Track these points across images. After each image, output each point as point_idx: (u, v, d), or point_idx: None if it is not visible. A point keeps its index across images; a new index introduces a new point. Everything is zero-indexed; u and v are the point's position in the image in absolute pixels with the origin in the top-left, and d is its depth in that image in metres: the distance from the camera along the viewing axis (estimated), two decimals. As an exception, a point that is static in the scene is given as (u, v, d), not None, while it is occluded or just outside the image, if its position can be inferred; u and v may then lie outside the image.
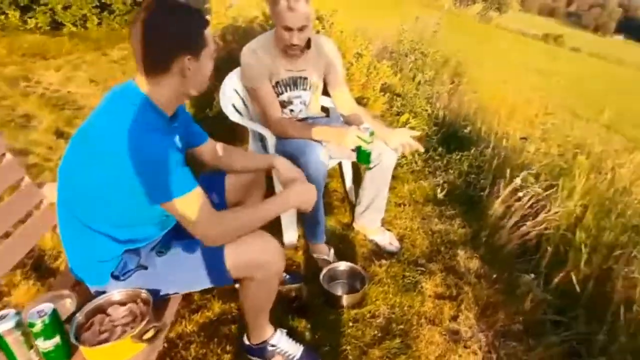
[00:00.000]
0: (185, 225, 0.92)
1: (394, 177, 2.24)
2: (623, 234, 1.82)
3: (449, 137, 2.86)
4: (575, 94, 15.28)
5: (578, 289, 1.58)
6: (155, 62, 0.88)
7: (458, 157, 2.48)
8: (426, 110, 2.97)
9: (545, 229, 1.83)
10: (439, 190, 2.32)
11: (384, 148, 1.66)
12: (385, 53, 4.23)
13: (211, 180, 1.26)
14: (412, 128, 2.90)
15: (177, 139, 1.02)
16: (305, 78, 1.74)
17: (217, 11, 2.62)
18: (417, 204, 2.27)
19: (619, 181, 2.60)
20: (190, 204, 0.89)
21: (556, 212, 1.80)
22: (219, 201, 1.25)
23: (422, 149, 1.66)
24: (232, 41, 2.44)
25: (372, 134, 1.49)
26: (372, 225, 1.90)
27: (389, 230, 1.96)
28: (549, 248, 1.78)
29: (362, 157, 1.55)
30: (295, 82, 1.74)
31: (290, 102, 1.77)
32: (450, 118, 3.14)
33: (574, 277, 1.58)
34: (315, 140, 1.59)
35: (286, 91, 1.74)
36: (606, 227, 1.81)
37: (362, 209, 1.88)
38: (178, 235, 1.04)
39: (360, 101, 2.69)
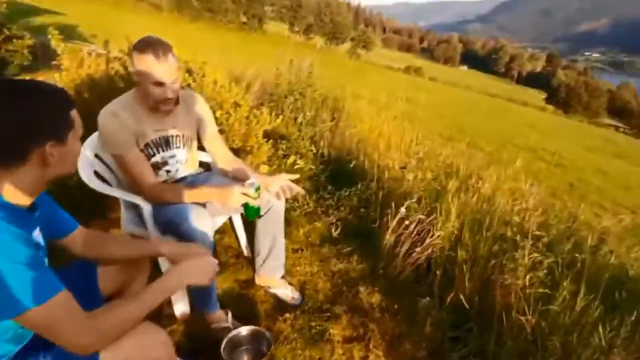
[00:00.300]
0: (49, 337, 0.77)
1: (288, 222, 2.22)
2: (494, 244, 2.10)
3: (337, 174, 2.99)
4: (438, 117, 18.01)
5: (466, 304, 1.73)
6: (6, 154, 0.77)
7: (347, 193, 2.59)
8: (311, 150, 3.09)
9: (432, 252, 1.99)
10: (333, 229, 2.38)
11: (268, 195, 1.65)
12: (265, 97, 4.35)
13: (80, 269, 1.09)
14: (300, 169, 2.98)
15: (36, 232, 0.87)
16: (178, 135, 1.65)
17: (69, 68, 2.35)
18: (314, 247, 2.28)
19: (484, 195, 3.04)
20: (50, 312, 0.75)
21: (439, 235, 1.98)
22: (91, 296, 1.06)
23: (302, 192, 1.69)
24: (90, 99, 2.19)
25: (257, 188, 1.45)
26: (275, 274, 1.84)
27: (290, 283, 1.91)
28: (437, 270, 1.93)
29: (251, 213, 1.50)
30: (167, 141, 1.62)
31: (165, 163, 1.64)
32: (335, 155, 3.30)
33: (461, 295, 1.73)
34: (198, 202, 1.49)
35: (158, 152, 1.61)
36: (480, 241, 2.06)
37: (261, 260, 1.81)
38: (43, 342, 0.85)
39: (243, 150, 2.65)
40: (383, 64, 52.32)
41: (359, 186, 2.61)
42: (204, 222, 1.43)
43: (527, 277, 1.73)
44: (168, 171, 1.66)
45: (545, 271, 1.75)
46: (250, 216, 1.52)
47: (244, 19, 41.00)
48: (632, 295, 2.12)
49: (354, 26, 51.54)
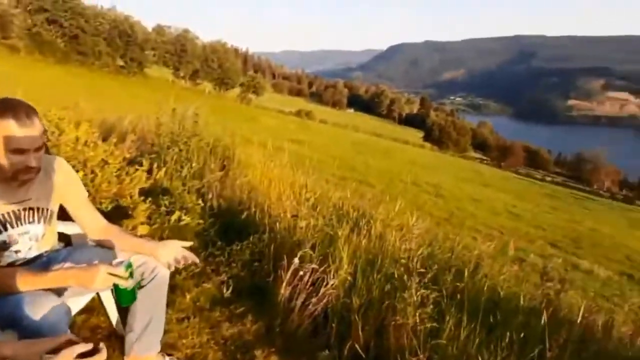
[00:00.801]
0: None
1: (172, 288, 2.02)
2: (387, 284, 2.21)
3: (228, 228, 2.88)
4: (330, 158, 19.15)
5: (362, 352, 1.75)
6: None
7: (238, 247, 2.50)
8: (198, 204, 2.93)
9: (328, 301, 2.00)
10: (224, 289, 2.24)
11: (154, 262, 1.48)
12: (145, 147, 4.06)
13: None
14: (186, 225, 2.79)
15: None
16: (32, 208, 1.40)
17: None
18: (203, 312, 2.10)
19: (375, 234, 3.22)
20: None
21: (333, 284, 2.01)
22: None
23: (197, 261, 1.56)
24: None
25: (129, 266, 1.27)
26: (150, 351, 1.60)
27: (170, 356, 1.70)
28: (334, 319, 1.94)
29: (123, 297, 1.29)
30: (18, 216, 1.36)
31: (15, 242, 1.36)
32: (225, 207, 3.20)
33: (356, 343, 1.75)
34: (52, 289, 1.26)
35: (5, 230, 1.34)
36: (373, 283, 2.15)
37: (135, 336, 1.56)
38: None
39: (116, 213, 2.38)
40: (275, 108, 54.39)
41: (251, 239, 2.54)
42: (55, 312, 1.20)
43: (417, 314, 1.84)
44: (17, 251, 1.38)
45: (432, 306, 1.88)
46: (123, 302, 1.31)
47: (121, 62, 38.79)
48: (505, 316, 2.42)
49: (243, 72, 53.00)
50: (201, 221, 2.87)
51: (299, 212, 2.90)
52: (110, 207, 2.35)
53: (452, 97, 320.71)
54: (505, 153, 59.80)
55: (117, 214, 2.38)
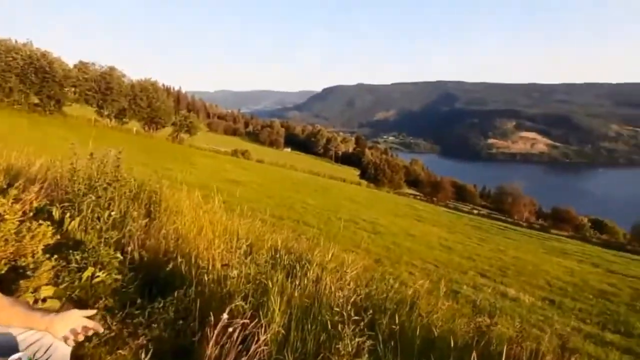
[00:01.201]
0: None
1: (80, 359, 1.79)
2: (322, 333, 2.15)
3: (150, 283, 2.66)
4: (267, 197, 18.98)
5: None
6: None
7: (161, 304, 2.31)
8: (116, 257, 2.69)
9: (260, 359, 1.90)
10: (143, 354, 2.03)
11: (51, 338, 1.30)
12: (58, 194, 3.71)
13: None
14: (101, 282, 2.53)
15: None
16: None
17: None
18: (118, 386, 1.87)
19: (311, 279, 3.17)
20: None
21: (264, 340, 1.91)
22: None
23: (100, 329, 1.40)
24: None
25: None
26: None
27: None
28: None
29: None
30: None
31: None
32: (148, 259, 2.97)
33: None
34: None
35: None
36: (308, 334, 2.09)
37: None
38: None
39: (13, 275, 2.10)
40: (210, 147, 53.32)
41: (175, 294, 2.37)
42: None
43: (353, 364, 1.80)
44: None
45: (366, 355, 1.86)
46: None
47: (35, 100, 35.85)
48: (439, 355, 2.47)
49: (175, 111, 51.68)
50: (119, 277, 2.63)
51: (231, 261, 2.79)
52: (4, 269, 2.06)
53: (385, 136, 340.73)
54: (436, 188, 64.04)
55: (13, 277, 2.10)
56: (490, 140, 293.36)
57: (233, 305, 2.09)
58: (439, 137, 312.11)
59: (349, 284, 3.62)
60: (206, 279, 2.50)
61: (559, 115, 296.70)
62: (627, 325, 9.09)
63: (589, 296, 11.68)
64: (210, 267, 2.62)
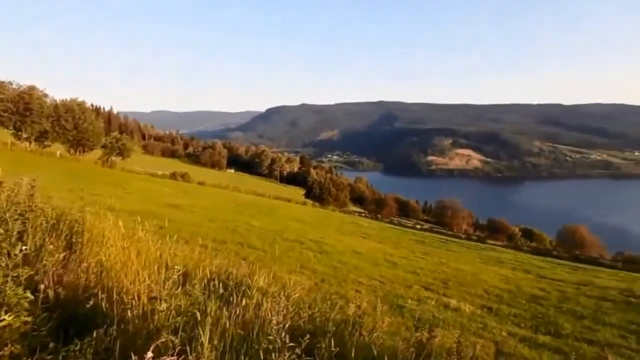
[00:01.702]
0: None
1: None
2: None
3: (67, 323, 2.44)
4: (208, 221, 18.36)
5: None
6: None
7: (78, 347, 2.11)
8: (26, 298, 2.43)
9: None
10: (56, 408, 1.84)
11: None
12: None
13: None
14: (6, 326, 2.27)
15: None
16: None
17: None
18: None
19: (251, 305, 3.09)
20: None
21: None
22: None
23: None
24: None
25: None
26: None
27: None
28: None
29: None
30: None
31: None
32: (66, 296, 2.73)
33: None
34: None
35: None
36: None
37: None
38: None
39: None
40: (145, 170, 50.72)
41: (95, 334, 2.18)
42: None
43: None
44: None
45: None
46: None
47: None
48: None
49: (106, 132, 48.73)
50: (29, 319, 2.38)
51: (160, 293, 2.64)
52: None
53: (329, 155, 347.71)
54: (381, 205, 66.16)
55: None
56: (430, 157, 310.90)
57: (159, 341, 1.97)
58: (382, 155, 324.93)
59: (290, 308, 3.57)
60: (130, 315, 2.34)
61: (490, 133, 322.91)
62: (556, 326, 9.86)
63: (522, 301, 12.53)
64: (135, 302, 2.45)
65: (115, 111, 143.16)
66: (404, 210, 79.77)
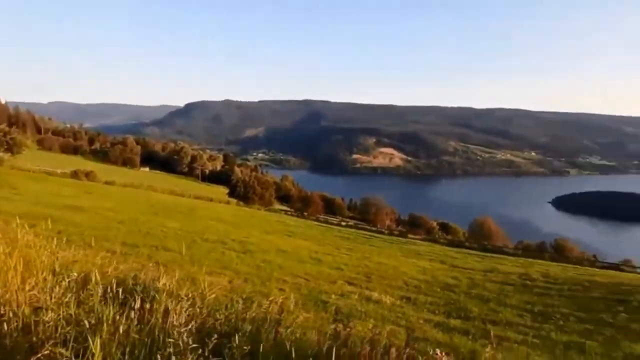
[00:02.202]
0: None
1: None
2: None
3: None
4: (118, 223, 17.05)
5: None
6: None
7: None
8: None
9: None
10: None
11: None
12: None
13: None
14: None
15: None
16: None
17: None
18: None
19: (157, 308, 2.92)
20: None
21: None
22: None
23: None
24: None
25: None
26: None
27: None
28: None
29: None
30: None
31: None
32: None
33: None
34: None
35: None
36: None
37: None
38: None
39: None
40: (40, 169, 45.40)
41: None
42: None
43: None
44: None
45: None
46: None
47: None
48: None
49: (-10, 125, 42.65)
50: None
51: (46, 302, 2.38)
52: None
53: (255, 153, 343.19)
54: (307, 203, 66.95)
55: None
56: (355, 156, 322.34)
57: (41, 354, 1.78)
58: (309, 153, 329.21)
59: (205, 310, 3.46)
60: (7, 328, 2.07)
61: (410, 133, 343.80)
62: (465, 310, 10.86)
63: (437, 290, 13.59)
64: (12, 314, 2.18)
65: (3, 101, 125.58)
66: (330, 207, 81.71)
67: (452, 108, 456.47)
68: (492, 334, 6.25)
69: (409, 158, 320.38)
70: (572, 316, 11.06)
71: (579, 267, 27.09)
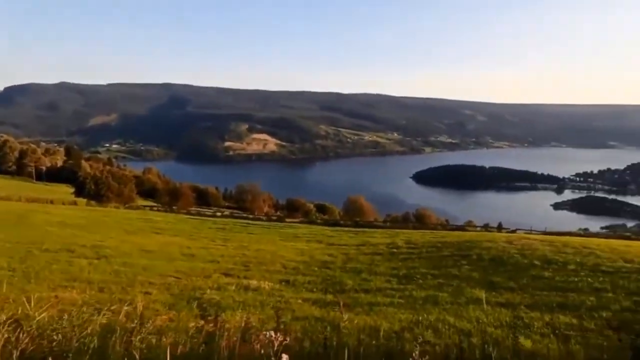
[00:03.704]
0: None
1: None
2: None
3: None
4: None
5: None
6: None
7: None
8: None
9: None
10: None
11: None
12: None
13: None
14: None
15: None
16: None
17: None
18: None
19: None
20: None
21: None
22: None
23: None
24: None
25: None
26: None
27: None
28: None
29: None
30: None
31: None
32: None
33: None
34: None
35: None
36: None
37: None
38: None
39: None
40: None
41: None
42: None
43: None
44: None
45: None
46: None
47: None
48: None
49: None
50: None
51: None
52: None
53: (107, 144, 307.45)
54: (176, 196, 62.90)
55: None
56: (227, 143, 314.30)
57: None
58: (174, 142, 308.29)
59: (32, 332, 2.95)
60: None
61: (283, 118, 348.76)
62: (341, 284, 11.60)
63: (315, 269, 14.20)
64: None
65: None
66: (204, 198, 78.50)
67: (321, 93, 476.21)
68: (341, 303, 6.72)
69: (283, 143, 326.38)
70: (429, 274, 12.79)
71: (434, 231, 31.43)
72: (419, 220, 51.00)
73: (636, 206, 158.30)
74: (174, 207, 49.95)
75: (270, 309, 8.42)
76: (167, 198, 62.42)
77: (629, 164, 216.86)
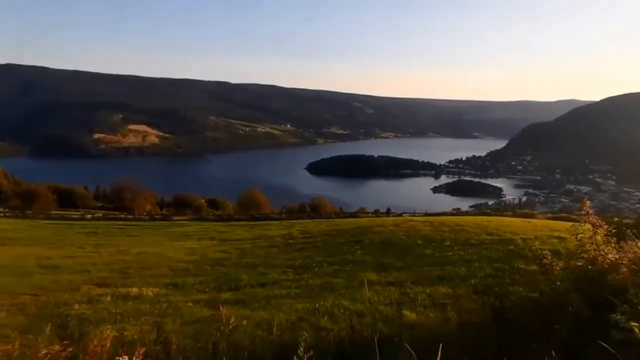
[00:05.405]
0: None
1: None
2: None
3: None
4: None
5: None
6: None
7: None
8: None
9: None
10: None
11: None
12: None
13: None
14: None
15: None
16: None
17: None
18: None
19: None
20: None
21: None
22: None
23: None
24: None
25: None
26: None
27: None
28: None
29: None
30: None
31: None
32: None
33: None
34: None
35: None
36: None
37: None
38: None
39: None
40: None
41: None
42: None
43: None
44: None
45: None
46: None
47: None
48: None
49: None
50: None
51: None
52: None
53: None
54: (31, 199, 54.66)
55: None
56: (97, 135, 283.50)
57: None
58: (25, 135, 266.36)
59: None
60: None
61: (166, 108, 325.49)
62: (236, 281, 11.32)
63: (207, 268, 13.65)
64: None
65: None
66: (69, 200, 69.75)
67: (207, 82, 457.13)
68: (222, 308, 6.61)
69: (167, 135, 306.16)
70: (325, 262, 13.22)
71: (329, 220, 32.65)
72: (314, 210, 52.43)
73: (495, 187, 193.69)
74: (28, 212, 43.56)
75: (154, 317, 7.82)
76: (19, 201, 54.02)
77: (489, 151, 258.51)
